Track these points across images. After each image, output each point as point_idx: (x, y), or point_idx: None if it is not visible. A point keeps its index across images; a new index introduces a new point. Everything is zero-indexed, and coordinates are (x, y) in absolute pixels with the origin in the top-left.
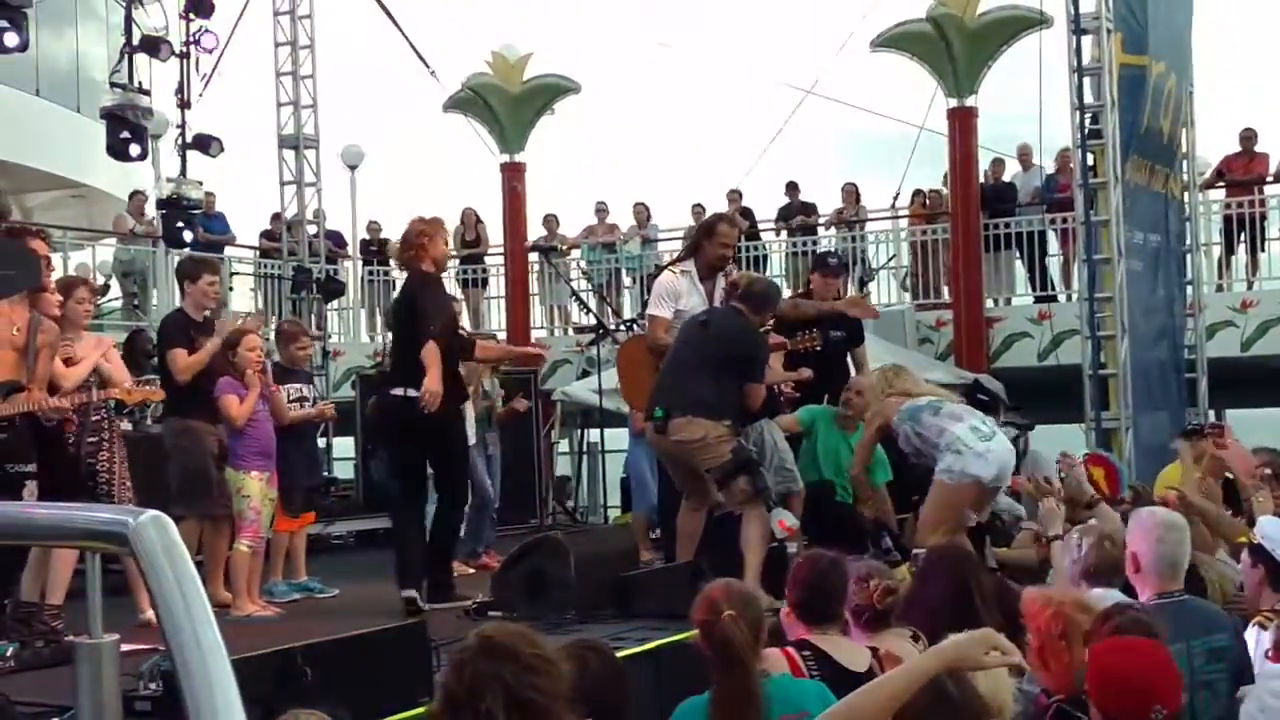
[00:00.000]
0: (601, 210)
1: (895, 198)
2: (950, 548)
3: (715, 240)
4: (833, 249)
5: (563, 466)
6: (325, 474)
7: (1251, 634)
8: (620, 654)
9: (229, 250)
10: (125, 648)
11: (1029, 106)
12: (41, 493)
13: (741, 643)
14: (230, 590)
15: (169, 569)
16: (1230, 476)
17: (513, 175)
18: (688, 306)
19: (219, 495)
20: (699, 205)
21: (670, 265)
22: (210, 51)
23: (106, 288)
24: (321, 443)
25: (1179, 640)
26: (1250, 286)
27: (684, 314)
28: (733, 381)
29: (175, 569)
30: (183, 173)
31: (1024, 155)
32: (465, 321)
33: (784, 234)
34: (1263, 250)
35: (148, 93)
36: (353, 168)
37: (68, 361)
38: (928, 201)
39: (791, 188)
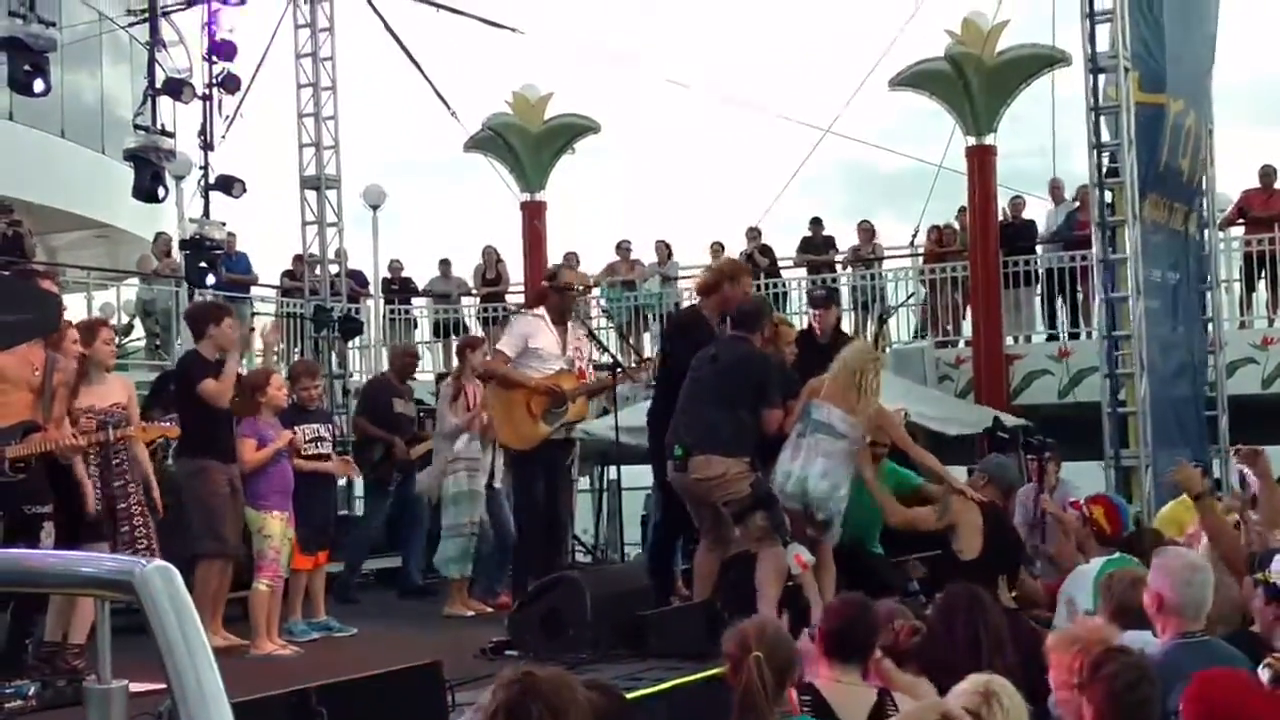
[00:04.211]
0: (625, 249)
1: (914, 235)
2: (962, 593)
3: (560, 287)
4: (851, 286)
5: (583, 504)
6: (345, 512)
7: (1264, 674)
8: (635, 694)
9: (251, 290)
10: (142, 687)
11: (1044, 144)
12: (59, 533)
13: (759, 688)
14: (251, 628)
15: (174, 617)
16: None
17: (533, 214)
18: (540, 345)
19: (233, 535)
20: (718, 243)
21: (527, 310)
22: (233, 94)
23: (130, 328)
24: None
25: None
26: (1271, 323)
27: (536, 351)
28: (748, 413)
29: (179, 617)
30: (205, 213)
31: (1055, 189)
32: None
33: (804, 269)
34: None
35: (171, 134)
36: (374, 207)
37: None
38: (942, 238)
39: (815, 222)
